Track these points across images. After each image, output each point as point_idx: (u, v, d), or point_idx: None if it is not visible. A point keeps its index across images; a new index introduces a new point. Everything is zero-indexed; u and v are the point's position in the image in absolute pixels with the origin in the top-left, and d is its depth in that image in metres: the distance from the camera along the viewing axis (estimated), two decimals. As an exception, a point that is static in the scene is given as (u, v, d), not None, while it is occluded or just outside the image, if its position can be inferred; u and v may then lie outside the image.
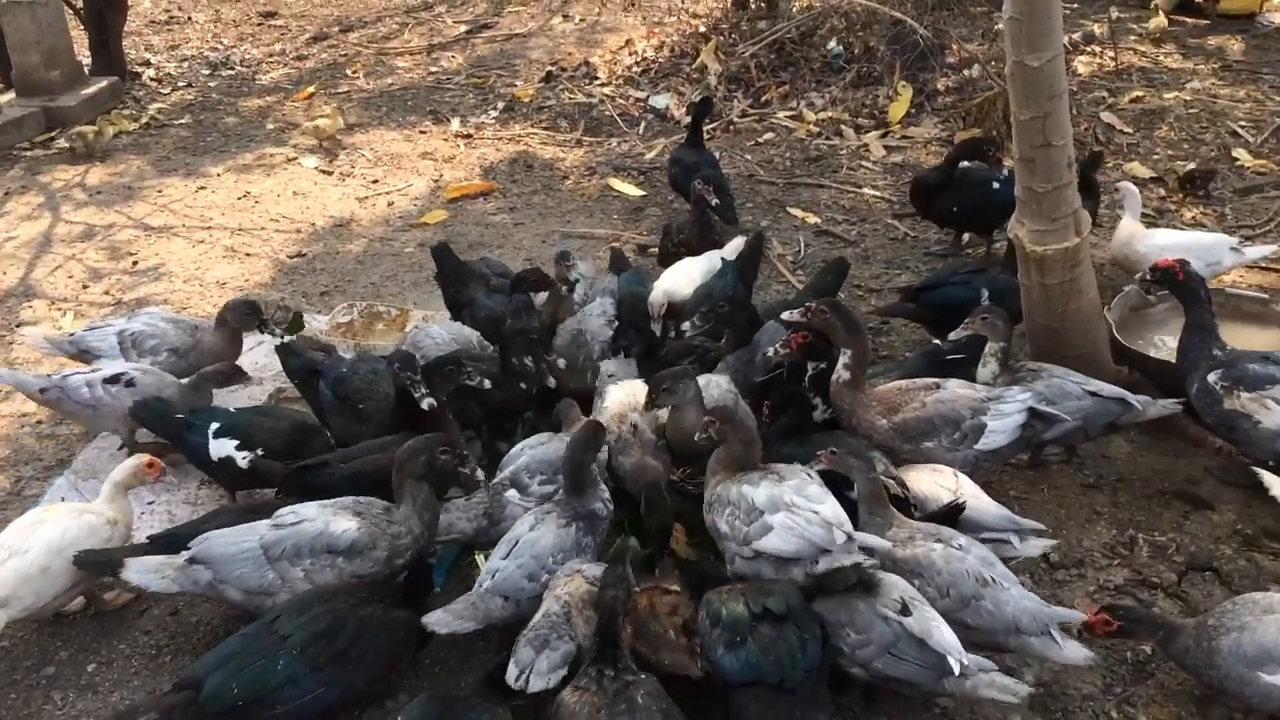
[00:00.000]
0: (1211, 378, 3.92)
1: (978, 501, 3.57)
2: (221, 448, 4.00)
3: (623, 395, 4.08)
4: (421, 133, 8.26)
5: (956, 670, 2.92)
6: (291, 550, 3.33)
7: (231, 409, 4.23)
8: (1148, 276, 4.15)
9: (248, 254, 6.42)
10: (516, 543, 3.35)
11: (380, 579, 3.40)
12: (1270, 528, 3.90)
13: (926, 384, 3.99)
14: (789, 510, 3.22)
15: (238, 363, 4.69)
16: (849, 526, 3.22)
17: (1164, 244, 5.10)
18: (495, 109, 8.63)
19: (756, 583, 3.18)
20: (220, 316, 4.78)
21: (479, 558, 3.76)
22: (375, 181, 7.42)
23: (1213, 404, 3.92)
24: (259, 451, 3.98)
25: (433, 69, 9.71)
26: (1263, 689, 2.94)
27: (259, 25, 11.39)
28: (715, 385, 4.10)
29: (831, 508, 3.26)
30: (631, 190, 7.09)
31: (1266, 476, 3.68)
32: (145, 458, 3.84)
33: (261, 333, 4.71)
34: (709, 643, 3.00)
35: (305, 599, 3.21)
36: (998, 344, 4.16)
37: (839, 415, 3.98)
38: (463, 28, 10.81)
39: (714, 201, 5.64)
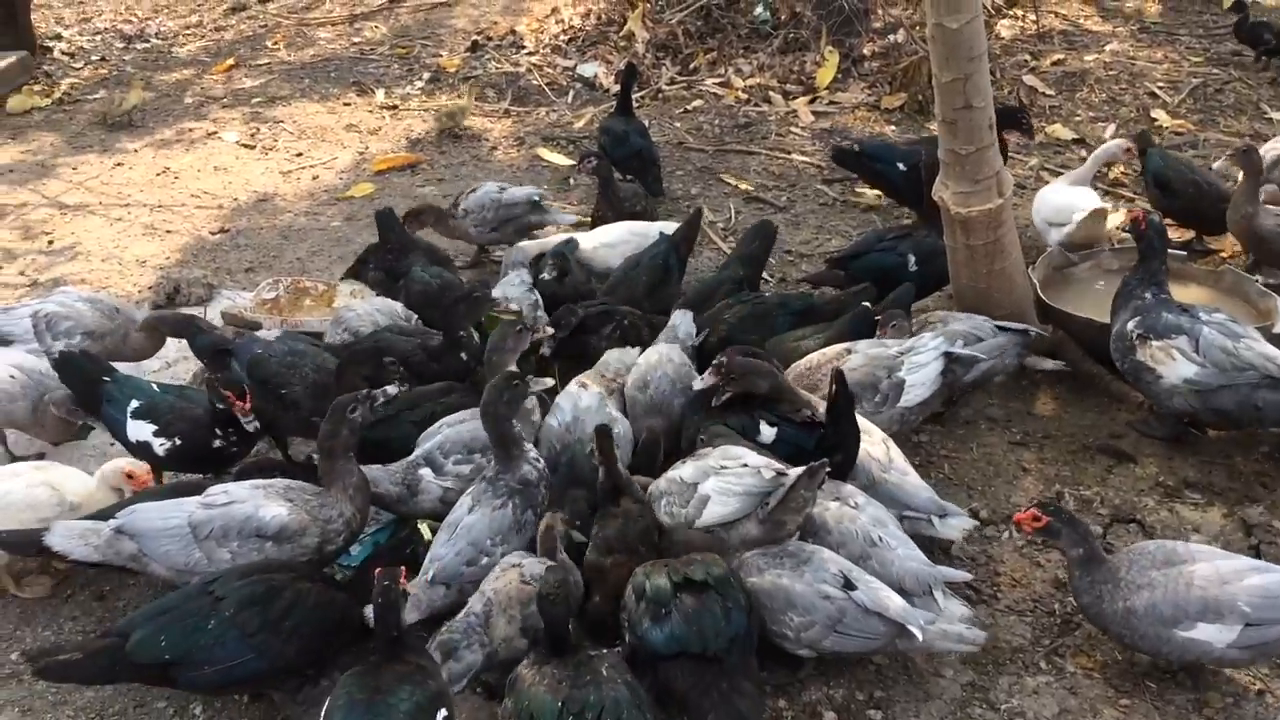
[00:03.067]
0: (1131, 324, 4.00)
1: (905, 479, 3.60)
2: (139, 430, 3.88)
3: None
4: (346, 105, 8.10)
5: (920, 637, 2.96)
6: (219, 531, 3.27)
7: (155, 386, 4.08)
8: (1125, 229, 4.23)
9: (168, 231, 6.26)
10: (455, 528, 3.31)
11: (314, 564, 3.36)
12: (1190, 478, 4.01)
13: (837, 352, 4.03)
14: (718, 474, 3.24)
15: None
16: (776, 464, 3.26)
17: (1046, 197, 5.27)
18: (421, 79, 8.49)
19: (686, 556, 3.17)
20: (151, 324, 4.59)
21: (423, 528, 3.73)
22: (299, 155, 7.27)
23: (1124, 351, 4.01)
24: (176, 441, 3.86)
25: (356, 40, 9.52)
26: (1180, 644, 3.02)
27: (174, -3, 11.06)
28: (667, 361, 4.04)
29: (754, 455, 3.29)
30: (561, 159, 7.03)
31: None
32: (125, 466, 3.71)
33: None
34: (634, 618, 2.97)
35: (248, 566, 3.17)
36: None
37: None
38: (385, -3, 10.60)
39: (592, 164, 5.74)
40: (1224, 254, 5.48)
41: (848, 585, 3.01)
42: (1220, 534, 3.71)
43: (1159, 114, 7.20)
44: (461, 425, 3.77)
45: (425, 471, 3.63)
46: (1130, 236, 4.34)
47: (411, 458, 3.70)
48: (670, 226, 5.27)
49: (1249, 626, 2.95)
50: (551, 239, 5.33)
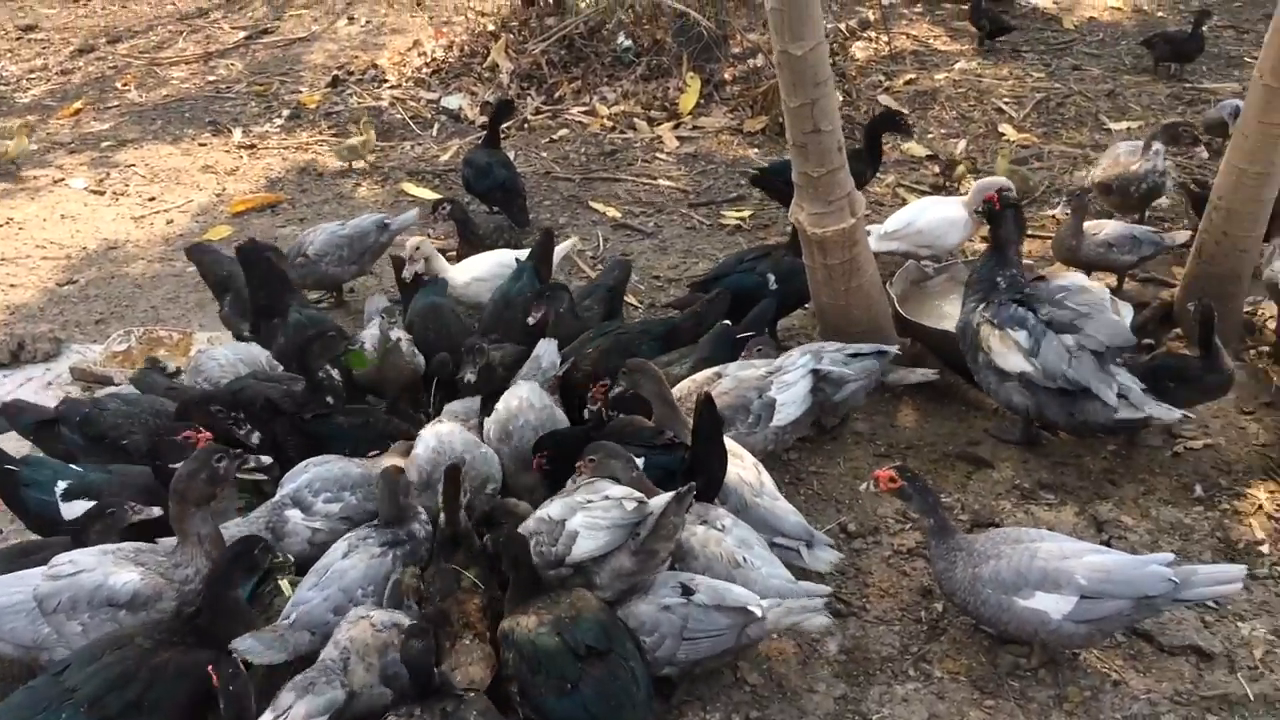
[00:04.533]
0: (978, 310, 4.14)
1: (776, 504, 3.66)
2: (77, 510, 3.59)
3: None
4: (201, 145, 7.89)
5: (760, 613, 3.03)
6: (68, 603, 3.12)
7: (72, 467, 3.78)
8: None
9: (11, 285, 5.99)
10: (326, 572, 3.23)
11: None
12: (1044, 480, 4.16)
13: (707, 377, 4.08)
14: (585, 509, 3.23)
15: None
16: (638, 495, 3.27)
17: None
18: (280, 117, 8.32)
19: (549, 596, 3.15)
20: None
21: (284, 584, 3.62)
22: (152, 199, 7.05)
23: (968, 338, 4.15)
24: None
25: (211, 78, 9.28)
26: (1017, 614, 3.14)
27: (17, 40, 10.63)
28: (528, 408, 3.99)
29: (618, 487, 3.30)
30: (427, 194, 6.96)
31: None
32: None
33: None
34: (531, 689, 2.94)
35: (97, 645, 3.00)
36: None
37: None
38: (241, 34, 10.37)
39: (445, 211, 5.66)
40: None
41: (687, 592, 3.08)
42: (1073, 531, 3.84)
43: (1006, 128, 7.49)
44: (330, 463, 3.68)
45: (292, 513, 3.53)
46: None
47: (275, 499, 3.59)
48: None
49: (1084, 599, 3.10)
50: (411, 241, 5.21)
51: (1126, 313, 4.66)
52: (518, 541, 3.21)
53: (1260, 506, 3.95)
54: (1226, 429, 4.36)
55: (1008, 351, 4.00)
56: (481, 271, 5.17)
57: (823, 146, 4.25)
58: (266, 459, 3.65)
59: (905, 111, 6.36)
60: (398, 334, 4.39)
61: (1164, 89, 7.93)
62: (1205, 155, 6.59)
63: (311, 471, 3.61)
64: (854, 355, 4.25)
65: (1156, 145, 5.54)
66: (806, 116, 4.19)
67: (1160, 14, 9.58)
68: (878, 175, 6.48)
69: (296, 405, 4.13)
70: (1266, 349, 4.81)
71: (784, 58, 4.10)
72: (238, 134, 8.02)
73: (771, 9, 4.05)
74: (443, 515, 3.37)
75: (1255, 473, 4.13)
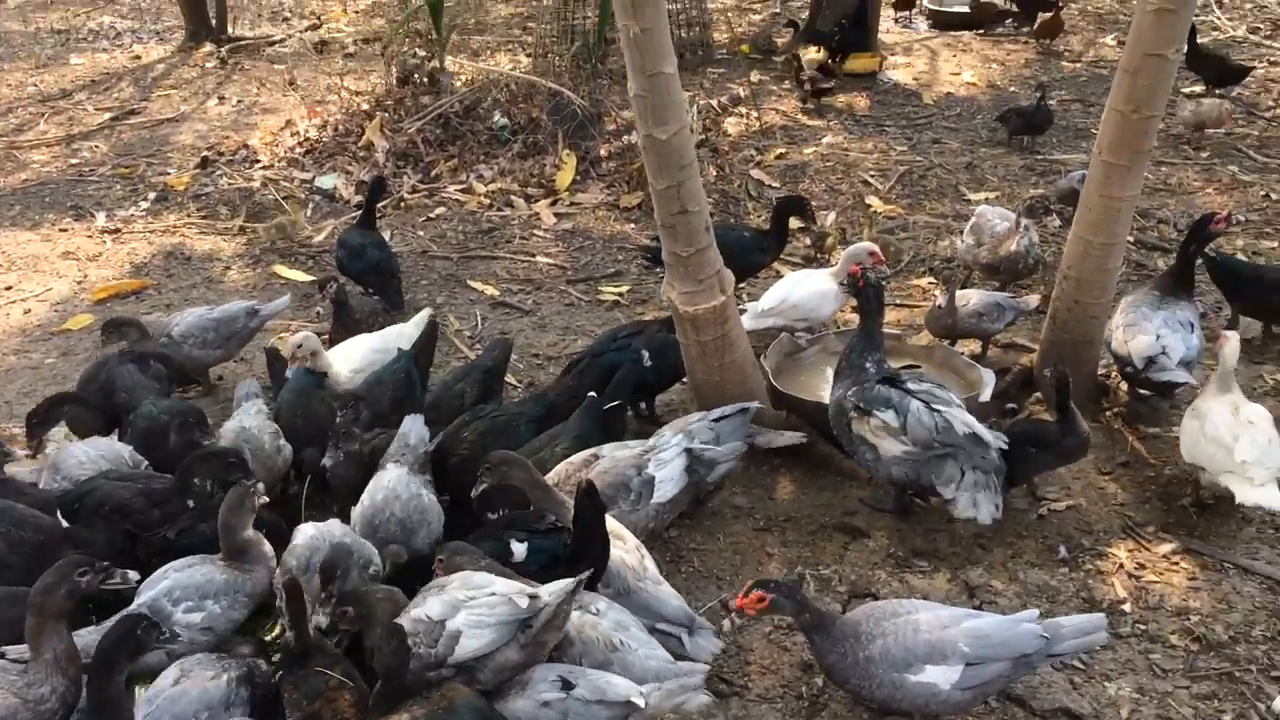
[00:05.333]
0: (849, 396, 4.22)
1: (659, 588, 3.65)
2: None
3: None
4: (62, 231, 7.64)
5: (642, 703, 3.00)
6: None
7: None
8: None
9: None
10: (155, 700, 3.07)
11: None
12: (918, 547, 4.24)
13: (583, 459, 4.08)
14: (467, 607, 3.17)
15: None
16: (527, 588, 3.22)
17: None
18: (146, 200, 8.12)
19: (427, 693, 3.06)
20: None
21: (139, 691, 3.44)
22: (8, 288, 6.77)
23: (841, 422, 4.23)
24: None
25: (73, 161, 9.02)
26: (910, 690, 3.17)
27: None
28: (394, 499, 3.93)
29: (503, 582, 3.25)
30: (300, 276, 6.85)
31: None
32: None
33: None
34: None
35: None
36: None
37: None
38: (106, 115, 10.13)
39: (333, 290, 5.59)
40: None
41: (566, 686, 3.03)
42: (946, 598, 3.92)
43: (872, 200, 7.74)
44: (192, 569, 3.53)
45: (149, 625, 3.36)
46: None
47: (132, 607, 3.42)
48: (410, 331, 5.23)
49: (969, 666, 3.15)
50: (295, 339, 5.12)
51: (989, 379, 4.84)
52: (398, 648, 3.10)
53: (1121, 565, 4.09)
54: (1087, 490, 4.53)
55: (881, 440, 4.09)
56: (358, 363, 5.07)
57: (690, 227, 4.33)
58: (134, 574, 3.47)
59: (807, 198, 6.56)
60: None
61: (1018, 161, 8.32)
62: (1058, 223, 6.93)
63: (171, 578, 3.46)
64: (718, 419, 4.30)
65: (1025, 222, 5.77)
66: (673, 198, 4.26)
67: (1012, 89, 10.08)
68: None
69: (154, 504, 3.96)
70: (1120, 410, 5.02)
71: (649, 142, 4.18)
72: (101, 218, 7.79)
73: (635, 95, 4.13)
74: (289, 631, 3.24)
75: (1115, 532, 4.28)
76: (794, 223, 7.22)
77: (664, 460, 4.13)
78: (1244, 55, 10.38)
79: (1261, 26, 11.72)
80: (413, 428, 4.20)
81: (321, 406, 4.77)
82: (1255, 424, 4.12)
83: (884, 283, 5.35)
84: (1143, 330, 4.79)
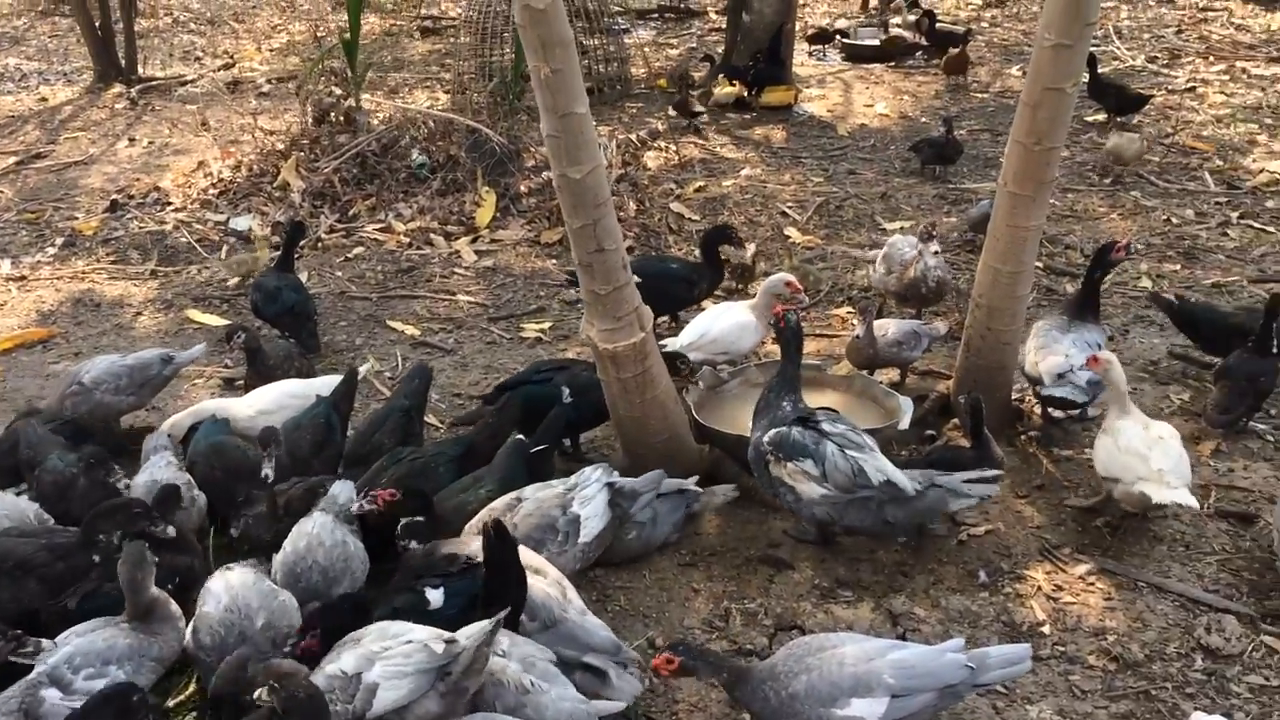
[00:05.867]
0: (766, 439, 4.24)
1: (585, 618, 3.64)
2: None
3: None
4: (-36, 279, 7.40)
5: None
6: None
7: None
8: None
9: None
10: None
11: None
12: (841, 577, 4.26)
13: (507, 504, 4.06)
14: (382, 659, 3.11)
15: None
16: (443, 633, 3.17)
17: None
18: (53, 246, 7.90)
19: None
20: None
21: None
22: (-93, 340, 6.53)
23: (760, 466, 4.26)
24: None
25: (-24, 207, 8.77)
26: None
27: None
28: (317, 546, 3.85)
29: (420, 630, 3.20)
30: (214, 321, 6.71)
31: None
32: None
33: None
34: None
35: None
36: None
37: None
38: (11, 159, 9.87)
39: (241, 340, 5.45)
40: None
41: None
42: (871, 627, 3.95)
43: (791, 231, 7.84)
44: (94, 633, 3.41)
45: (50, 692, 3.23)
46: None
47: (31, 675, 3.29)
48: (328, 381, 5.14)
49: (895, 698, 3.15)
50: (204, 407, 5.03)
51: (907, 406, 4.90)
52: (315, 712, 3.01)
53: (1039, 588, 4.16)
54: (1004, 514, 4.60)
55: (799, 484, 4.12)
56: (268, 404, 4.98)
57: (608, 265, 4.34)
58: (48, 642, 3.34)
59: (733, 226, 6.62)
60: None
61: (931, 190, 8.50)
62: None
63: (73, 643, 3.33)
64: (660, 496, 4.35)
65: (920, 246, 5.89)
66: (590, 236, 4.27)
67: (924, 120, 10.32)
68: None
69: (58, 558, 3.83)
70: (1035, 434, 5.12)
71: (563, 181, 4.19)
72: (5, 266, 7.56)
73: (548, 135, 4.13)
74: None
75: (1033, 555, 4.35)
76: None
77: (587, 497, 4.14)
78: (1143, 84, 10.77)
79: (1159, 56, 12.18)
80: (341, 490, 4.11)
81: (237, 453, 4.67)
82: (1165, 439, 4.27)
83: (804, 313, 5.40)
84: (1053, 351, 4.92)
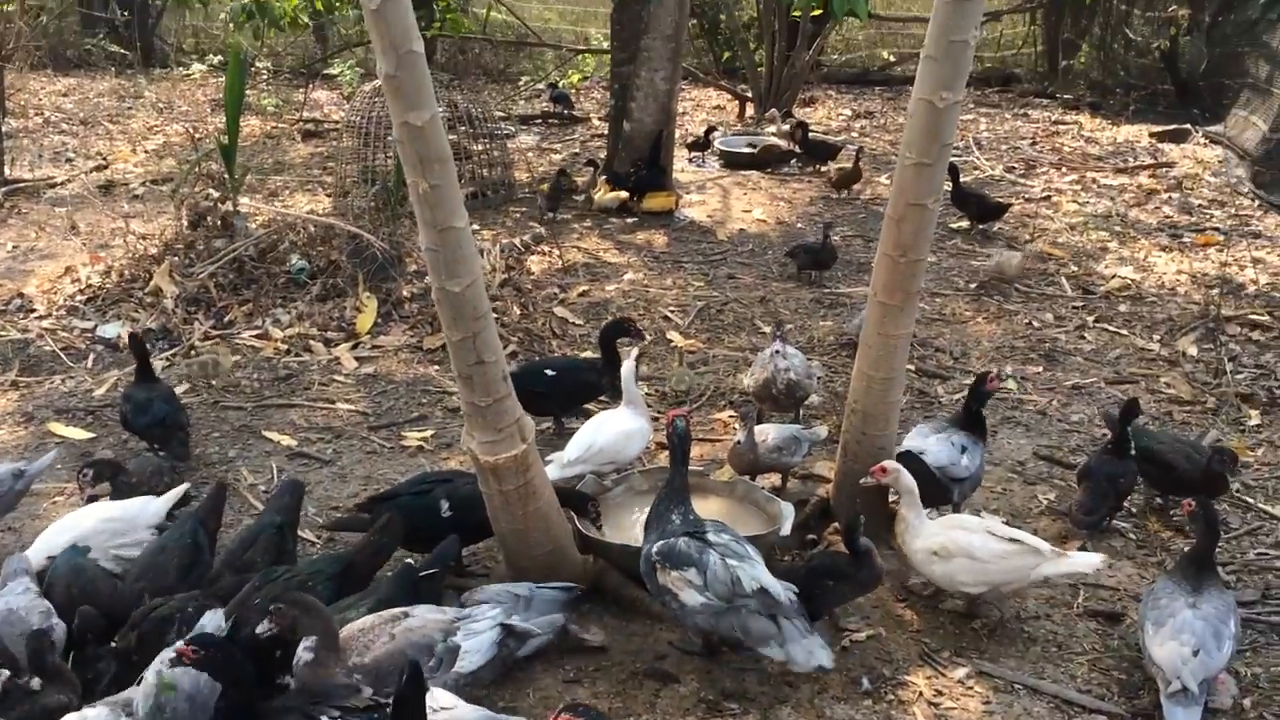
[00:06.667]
0: (655, 548, 4.24)
1: (458, 711, 3.59)
2: None
3: None
4: None
5: None
6: None
7: None
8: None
9: None
10: None
11: None
12: (727, 688, 4.24)
13: (393, 615, 3.96)
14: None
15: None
16: None
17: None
18: (-95, 356, 7.51)
19: None
20: None
21: None
22: None
23: (649, 573, 4.25)
24: None
25: None
26: None
27: None
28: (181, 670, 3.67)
29: None
30: (78, 434, 6.44)
31: None
32: None
33: None
34: None
35: None
36: None
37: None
38: None
39: (89, 476, 5.20)
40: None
41: None
42: (758, 741, 3.93)
43: (674, 335, 7.96)
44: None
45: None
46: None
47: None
48: (159, 506, 4.96)
49: None
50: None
51: (789, 512, 4.97)
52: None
53: (921, 694, 4.21)
54: (885, 618, 4.66)
55: (683, 591, 4.12)
56: (83, 534, 4.68)
57: (488, 377, 4.32)
58: None
59: (632, 322, 6.70)
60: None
61: (808, 294, 8.75)
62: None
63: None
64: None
65: (774, 348, 6.02)
66: (469, 349, 4.26)
67: (799, 225, 10.67)
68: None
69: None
70: (912, 536, 5.22)
71: (442, 294, 4.19)
72: None
73: (427, 249, 4.14)
74: None
75: (913, 660, 4.41)
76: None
77: (474, 631, 4.06)
78: (1002, 193, 11.37)
79: (1016, 166, 12.89)
80: (210, 621, 3.96)
81: (98, 575, 4.47)
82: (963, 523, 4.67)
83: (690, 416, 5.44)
84: (912, 440, 5.23)
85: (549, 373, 6.35)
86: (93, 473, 5.20)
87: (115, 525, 4.73)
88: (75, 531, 4.70)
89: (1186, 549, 4.53)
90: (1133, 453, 5.21)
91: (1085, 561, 4.49)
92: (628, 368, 5.70)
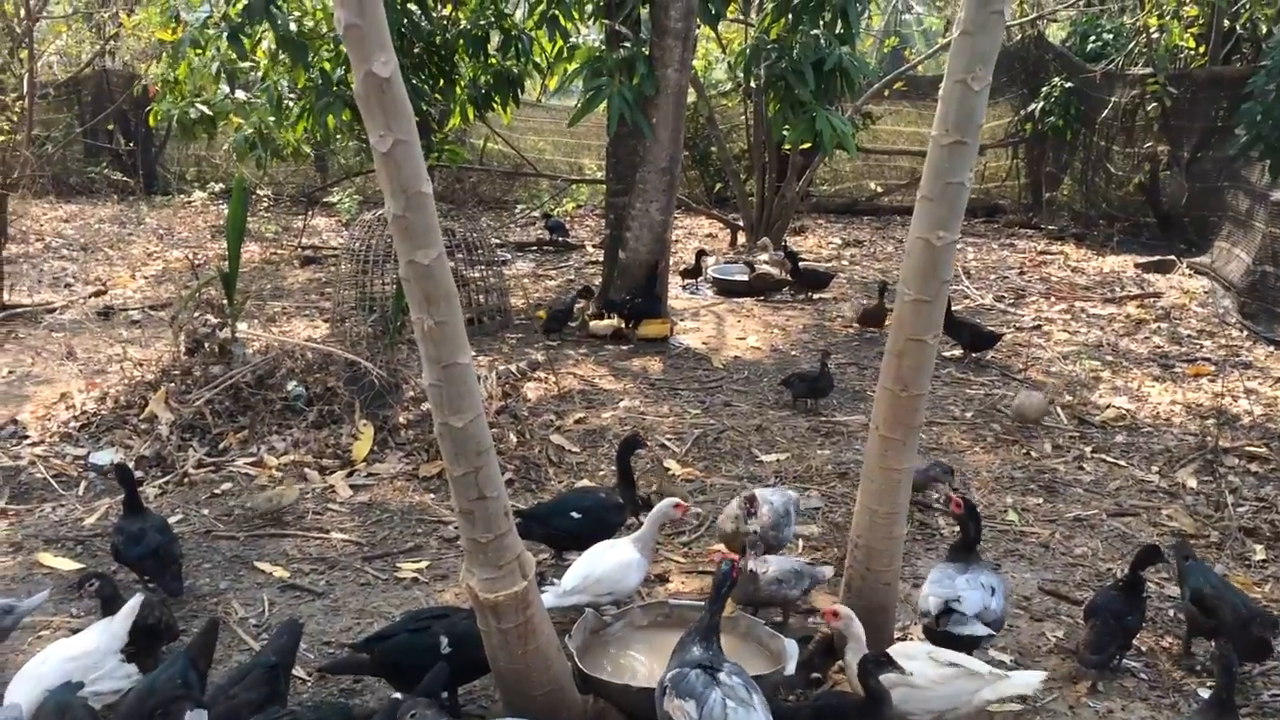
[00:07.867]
0: (669, 675, 4.14)
1: None
2: None
3: None
4: None
5: None
6: None
7: None
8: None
9: None
10: None
11: None
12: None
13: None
14: None
15: None
16: None
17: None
18: (-107, 483, 7.43)
19: None
20: None
21: None
22: None
23: (659, 699, 4.14)
24: None
25: None
26: None
27: None
28: None
29: None
30: (67, 565, 6.32)
31: None
32: None
33: None
34: None
35: None
36: None
37: None
38: None
39: (94, 587, 5.11)
40: None
41: None
42: None
43: (671, 463, 7.92)
44: None
45: None
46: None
47: None
48: (117, 628, 4.80)
49: None
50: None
51: (792, 650, 4.86)
52: None
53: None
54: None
55: None
56: (49, 681, 4.47)
57: (489, 512, 4.28)
58: None
59: (641, 435, 6.68)
60: None
61: (804, 422, 8.76)
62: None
63: None
64: None
65: (738, 510, 5.91)
66: (471, 484, 4.22)
67: (794, 352, 10.75)
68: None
69: None
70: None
71: (445, 429, 4.17)
72: None
73: (430, 385, 4.14)
74: None
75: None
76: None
77: None
78: (994, 322, 11.51)
79: (1006, 295, 13.08)
80: None
81: (84, 714, 4.31)
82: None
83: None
84: (942, 585, 5.03)
85: (575, 515, 6.17)
86: (98, 584, 5.09)
87: (81, 663, 4.57)
88: (37, 680, 4.49)
89: (1201, 691, 4.44)
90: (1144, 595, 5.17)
91: (1025, 682, 4.45)
92: (659, 510, 5.60)
